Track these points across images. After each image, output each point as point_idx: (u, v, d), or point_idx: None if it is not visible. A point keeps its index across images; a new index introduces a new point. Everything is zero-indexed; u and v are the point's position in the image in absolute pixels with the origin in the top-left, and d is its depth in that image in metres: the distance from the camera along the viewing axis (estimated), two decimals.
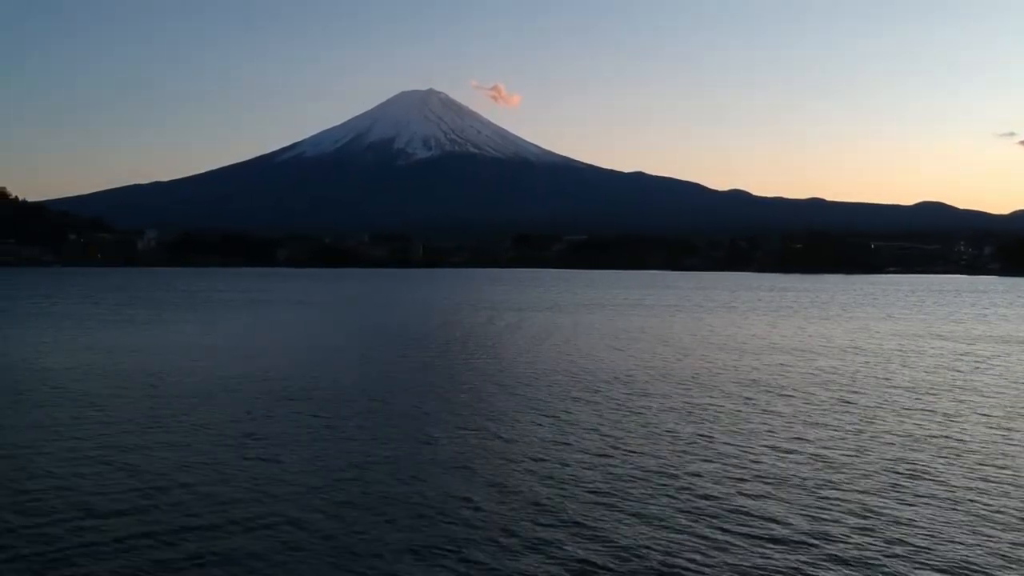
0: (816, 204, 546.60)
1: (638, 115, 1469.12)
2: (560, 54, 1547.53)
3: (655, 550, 12.26)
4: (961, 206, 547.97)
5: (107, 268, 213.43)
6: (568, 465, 16.79)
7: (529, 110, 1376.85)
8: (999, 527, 13.26)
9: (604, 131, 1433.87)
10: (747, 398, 24.96)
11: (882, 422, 21.41)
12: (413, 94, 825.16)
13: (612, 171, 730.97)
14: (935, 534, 12.94)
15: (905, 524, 13.37)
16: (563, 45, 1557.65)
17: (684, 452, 17.94)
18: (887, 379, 29.43)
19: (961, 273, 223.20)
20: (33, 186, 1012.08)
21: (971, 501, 14.60)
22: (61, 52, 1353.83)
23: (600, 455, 17.62)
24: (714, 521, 13.45)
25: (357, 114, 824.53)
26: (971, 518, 13.71)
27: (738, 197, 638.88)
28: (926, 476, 16.18)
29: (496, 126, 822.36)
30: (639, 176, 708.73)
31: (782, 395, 25.61)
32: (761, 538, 12.71)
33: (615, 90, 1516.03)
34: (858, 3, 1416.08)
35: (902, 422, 21.42)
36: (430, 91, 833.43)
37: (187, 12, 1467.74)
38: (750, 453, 17.84)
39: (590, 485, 15.43)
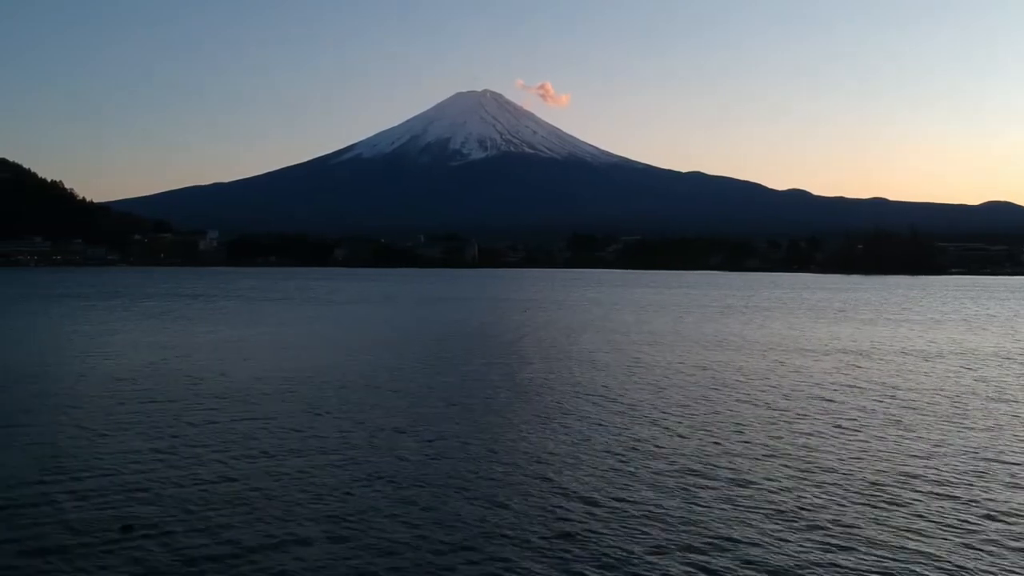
0: (878, 204, 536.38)
1: (696, 114, 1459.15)
2: (608, 53, 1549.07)
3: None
4: None
5: (170, 268, 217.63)
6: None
7: (580, 110, 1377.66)
8: None
9: (660, 130, 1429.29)
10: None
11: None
12: (468, 95, 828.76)
13: (669, 171, 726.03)
14: None
15: None
16: (609, 44, 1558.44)
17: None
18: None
19: None
20: (99, 187, 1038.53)
21: None
22: (124, 57, 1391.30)
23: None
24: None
25: (413, 115, 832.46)
26: None
27: (798, 197, 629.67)
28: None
29: (551, 126, 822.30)
30: (697, 176, 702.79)
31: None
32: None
33: (670, 89, 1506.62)
34: (920, 3, 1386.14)
35: None
36: (485, 92, 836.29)
37: (249, 18, 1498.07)
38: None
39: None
